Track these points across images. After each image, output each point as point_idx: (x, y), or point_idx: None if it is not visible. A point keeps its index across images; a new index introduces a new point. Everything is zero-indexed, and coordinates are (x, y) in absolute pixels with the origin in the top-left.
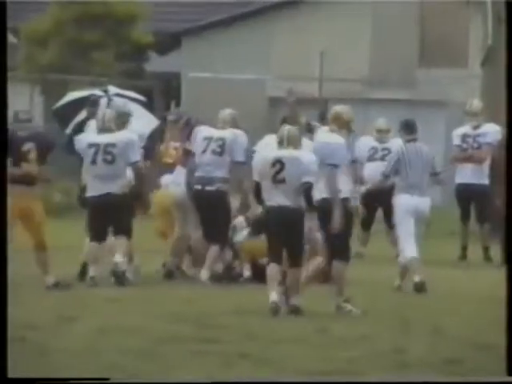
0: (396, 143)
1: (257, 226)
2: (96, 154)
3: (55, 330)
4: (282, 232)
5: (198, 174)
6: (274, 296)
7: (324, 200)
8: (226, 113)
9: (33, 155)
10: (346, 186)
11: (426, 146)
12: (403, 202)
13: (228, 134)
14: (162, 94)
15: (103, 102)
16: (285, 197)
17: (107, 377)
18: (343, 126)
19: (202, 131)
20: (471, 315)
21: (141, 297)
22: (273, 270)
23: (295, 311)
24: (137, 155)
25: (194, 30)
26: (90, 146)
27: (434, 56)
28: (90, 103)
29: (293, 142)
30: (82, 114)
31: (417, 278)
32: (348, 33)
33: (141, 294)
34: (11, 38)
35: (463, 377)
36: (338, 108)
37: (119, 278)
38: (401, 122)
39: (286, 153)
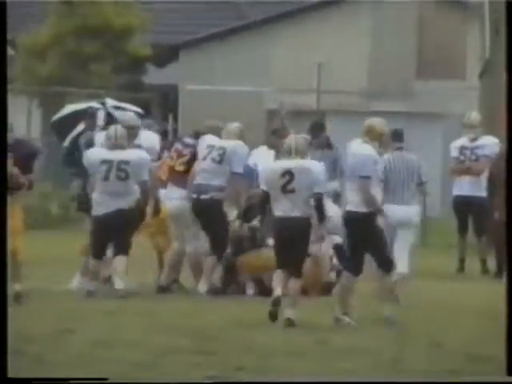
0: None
1: (239, 244)
2: (109, 170)
3: (53, 343)
4: (290, 242)
5: (196, 181)
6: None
7: (349, 212)
8: (234, 126)
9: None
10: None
11: (414, 155)
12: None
13: (229, 144)
14: (159, 107)
15: (100, 114)
16: (294, 207)
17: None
18: (376, 138)
19: (207, 139)
20: (469, 327)
21: (139, 309)
22: (279, 275)
23: (289, 324)
24: (147, 173)
25: (191, 42)
26: (103, 162)
27: (431, 68)
28: (88, 116)
29: (300, 152)
30: (80, 127)
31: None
32: (346, 45)
33: (139, 306)
34: (9, 50)
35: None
36: (370, 120)
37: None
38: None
39: (295, 163)
